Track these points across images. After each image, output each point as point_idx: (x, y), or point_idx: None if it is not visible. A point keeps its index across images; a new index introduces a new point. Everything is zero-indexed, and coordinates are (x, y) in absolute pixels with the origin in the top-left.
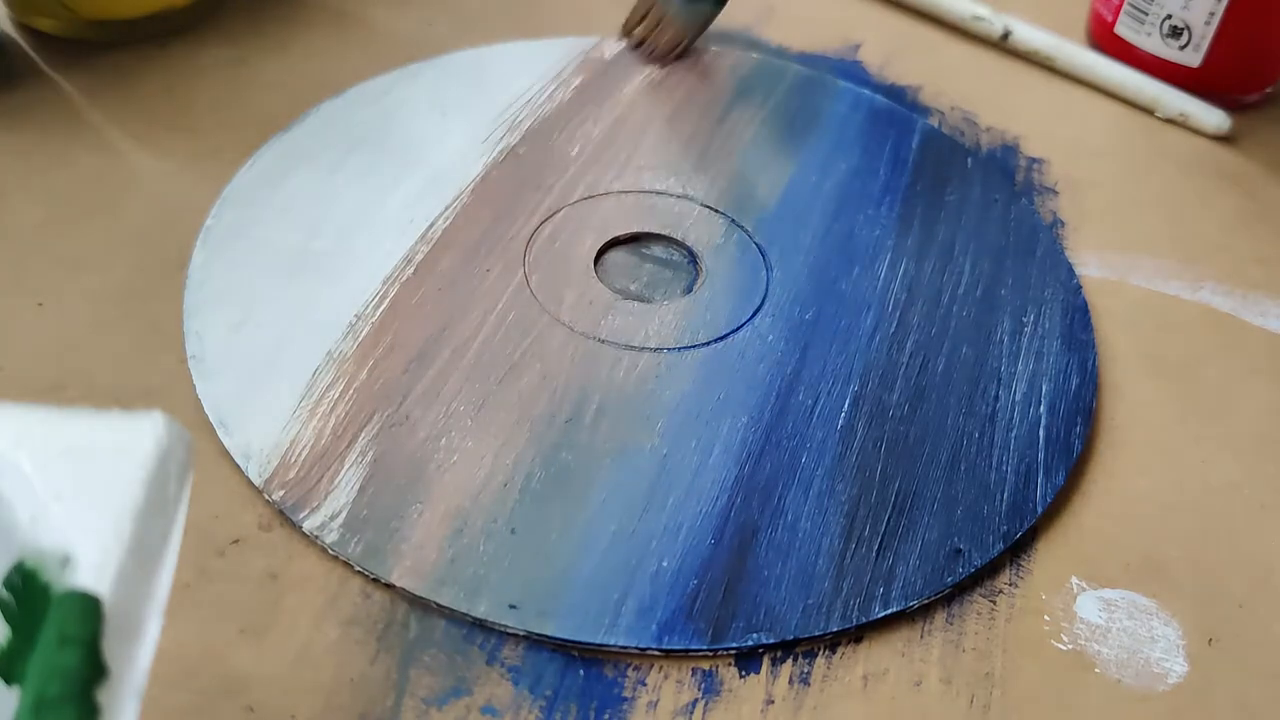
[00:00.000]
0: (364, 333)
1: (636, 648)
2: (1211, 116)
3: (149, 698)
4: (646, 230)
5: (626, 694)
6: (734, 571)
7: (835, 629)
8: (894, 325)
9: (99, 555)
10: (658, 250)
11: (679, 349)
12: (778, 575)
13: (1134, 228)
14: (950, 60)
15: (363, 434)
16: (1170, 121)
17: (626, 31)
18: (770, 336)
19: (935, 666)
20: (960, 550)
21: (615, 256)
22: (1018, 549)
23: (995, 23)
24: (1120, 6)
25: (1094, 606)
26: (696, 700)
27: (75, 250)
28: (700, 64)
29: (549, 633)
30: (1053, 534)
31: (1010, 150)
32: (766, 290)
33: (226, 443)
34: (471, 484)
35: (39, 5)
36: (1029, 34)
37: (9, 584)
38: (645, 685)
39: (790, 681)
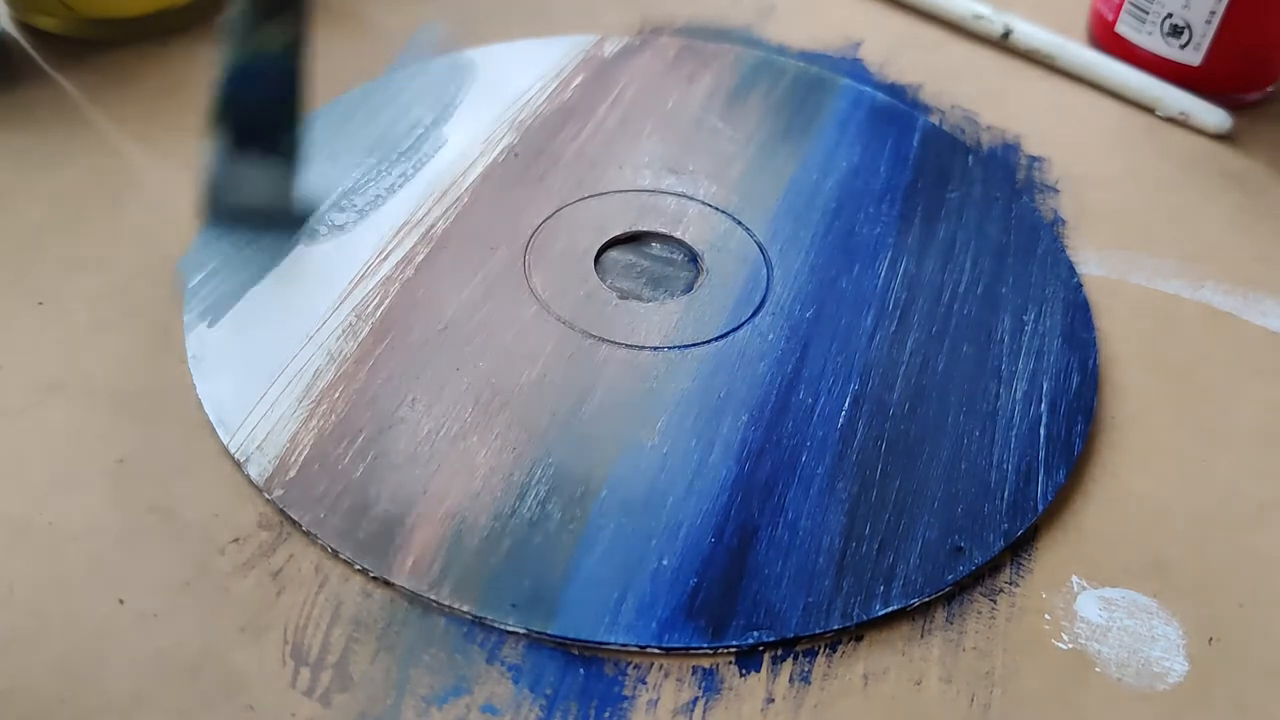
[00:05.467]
0: (364, 333)
1: (637, 646)
2: (1212, 115)
3: (148, 698)
4: (647, 229)
5: (627, 692)
6: (734, 570)
7: (836, 627)
8: (894, 324)
9: None
10: (658, 249)
11: (679, 347)
12: (778, 573)
13: (1135, 226)
14: (951, 59)
15: (362, 433)
16: (1171, 120)
17: None
18: (770, 335)
19: (935, 665)
20: (961, 549)
21: (615, 255)
22: (1018, 548)
23: (996, 21)
24: (1121, 5)
25: (1094, 605)
26: (697, 699)
27: (75, 250)
28: (701, 62)
29: (549, 631)
30: (1053, 533)
31: (1011, 149)
32: (767, 289)
33: (226, 442)
34: (471, 483)
35: (40, 3)
36: (1030, 32)
37: None
38: (645, 684)
39: (791, 680)
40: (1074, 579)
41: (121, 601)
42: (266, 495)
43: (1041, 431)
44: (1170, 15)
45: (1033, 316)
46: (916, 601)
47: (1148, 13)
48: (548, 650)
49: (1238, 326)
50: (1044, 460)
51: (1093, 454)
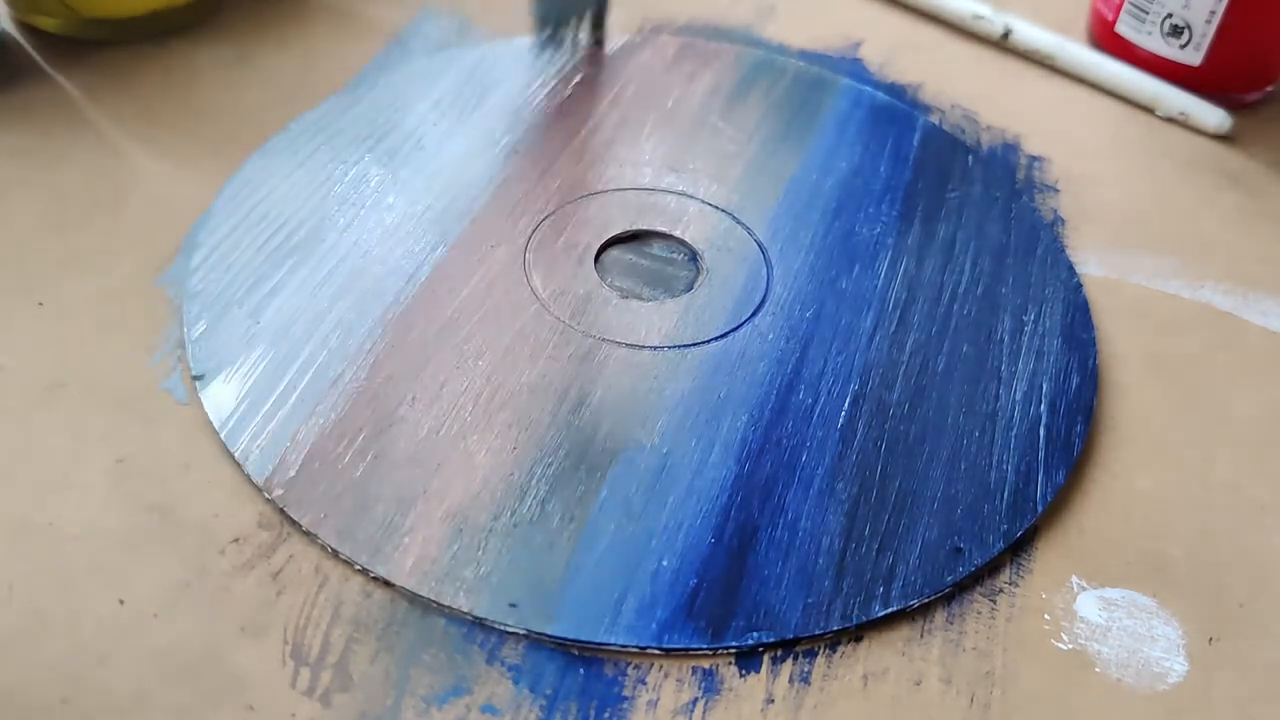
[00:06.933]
0: (364, 331)
1: (636, 646)
2: (1212, 115)
3: (148, 698)
4: (647, 228)
5: (626, 693)
6: (734, 570)
7: (835, 628)
8: (894, 324)
9: None
10: (658, 248)
11: (679, 347)
12: (778, 574)
13: (1135, 226)
14: (951, 58)
15: (363, 433)
16: (1171, 120)
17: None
18: (770, 335)
19: (935, 666)
20: (960, 549)
21: (615, 254)
22: (1018, 548)
23: (996, 21)
24: (1121, 5)
25: (1094, 606)
26: (696, 699)
27: (75, 250)
28: (701, 62)
29: (549, 631)
30: (1053, 533)
31: (1011, 148)
32: (767, 288)
33: (226, 442)
34: (472, 483)
35: (40, 3)
36: (1029, 32)
37: None
38: (645, 684)
39: (790, 680)
40: (1074, 579)
41: (121, 601)
42: (266, 495)
43: (1041, 432)
44: (1170, 15)
45: (1032, 317)
46: (916, 602)
47: (1148, 13)
48: (548, 650)
49: (1238, 326)
50: (1043, 460)
51: (1093, 454)
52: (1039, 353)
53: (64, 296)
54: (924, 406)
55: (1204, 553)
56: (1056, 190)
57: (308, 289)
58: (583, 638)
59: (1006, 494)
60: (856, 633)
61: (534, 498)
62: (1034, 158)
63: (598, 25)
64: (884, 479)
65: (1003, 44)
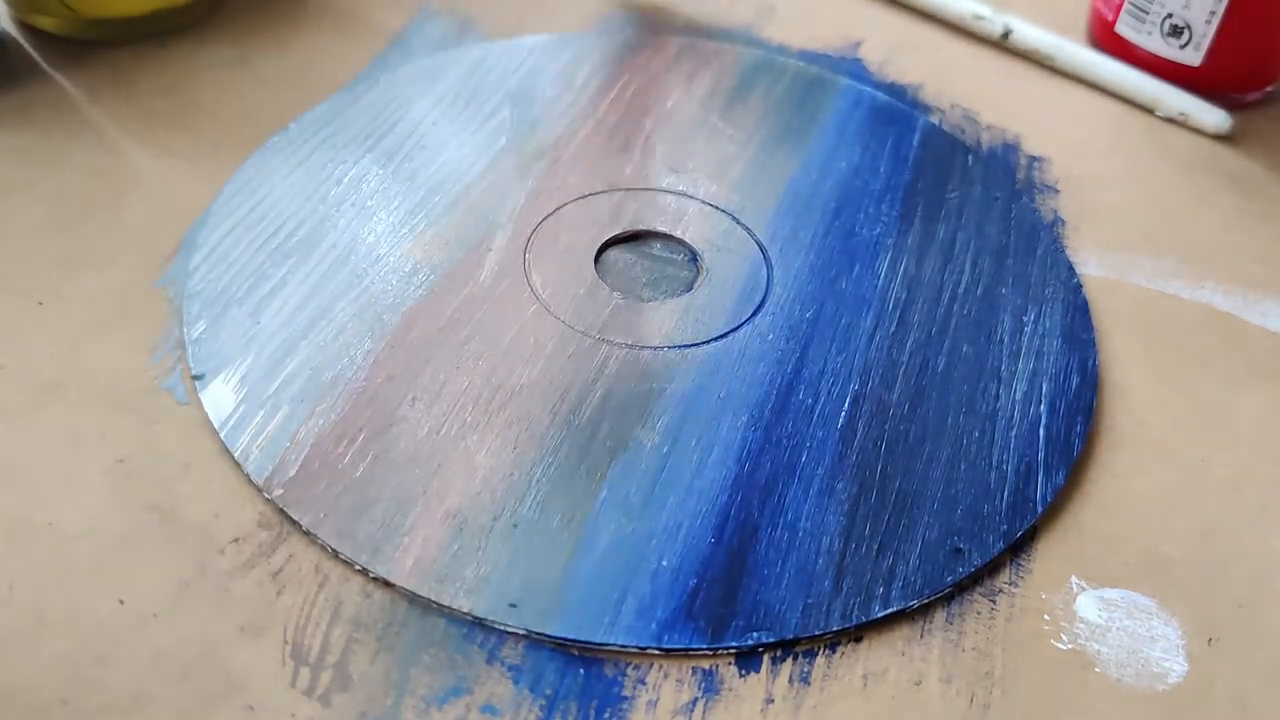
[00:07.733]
0: (364, 331)
1: (636, 646)
2: (1212, 116)
3: (148, 698)
4: (647, 228)
5: (626, 693)
6: (734, 570)
7: (835, 628)
8: (894, 324)
9: None
10: (658, 248)
11: (679, 347)
12: (778, 574)
13: (1135, 227)
14: (951, 59)
15: (363, 432)
16: (1171, 120)
17: None
18: (770, 335)
19: (935, 666)
20: (960, 549)
21: (615, 254)
22: (1018, 548)
23: (996, 21)
24: (1121, 5)
25: (1094, 606)
26: (696, 699)
27: (75, 250)
28: (701, 62)
29: (549, 631)
30: (1053, 533)
31: (1011, 149)
32: (767, 289)
33: (226, 442)
34: (472, 483)
35: (40, 3)
36: (1029, 32)
37: None
38: (645, 684)
39: (790, 681)
40: (1073, 579)
41: (121, 601)
42: (266, 495)
43: (1041, 432)
44: (1170, 15)
45: (1032, 317)
46: (916, 602)
47: (1148, 13)
48: (548, 651)
49: (1238, 326)
50: (1043, 461)
51: (1092, 454)
52: (1039, 353)
53: (64, 296)
54: (924, 406)
55: (1204, 553)
56: (1056, 190)
57: (307, 289)
58: (583, 638)
59: (1006, 494)
60: (856, 633)
61: (534, 498)
62: (1034, 158)
63: None
64: (884, 479)
65: (1003, 44)
